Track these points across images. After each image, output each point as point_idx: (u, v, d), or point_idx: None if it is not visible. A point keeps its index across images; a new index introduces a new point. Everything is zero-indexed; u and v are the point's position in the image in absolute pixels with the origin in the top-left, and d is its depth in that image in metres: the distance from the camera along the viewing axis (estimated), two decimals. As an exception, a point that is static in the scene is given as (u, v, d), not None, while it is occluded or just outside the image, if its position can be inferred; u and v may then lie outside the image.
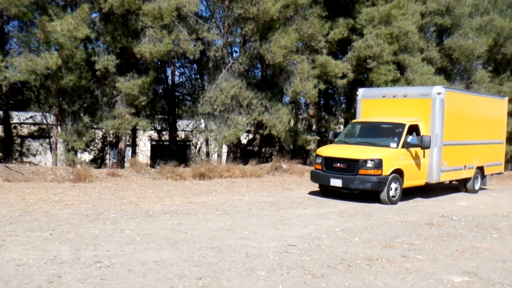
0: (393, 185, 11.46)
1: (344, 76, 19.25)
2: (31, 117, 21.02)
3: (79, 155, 20.23)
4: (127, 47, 16.82)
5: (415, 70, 20.75)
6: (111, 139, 21.33)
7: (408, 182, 11.93)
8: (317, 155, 12.44)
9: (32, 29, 15.68)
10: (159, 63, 19.64)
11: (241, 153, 21.65)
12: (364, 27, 19.38)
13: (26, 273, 5.08)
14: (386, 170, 11.25)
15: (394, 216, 9.84)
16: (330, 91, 22.78)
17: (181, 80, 24.13)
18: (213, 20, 20.68)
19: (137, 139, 22.81)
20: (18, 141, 21.27)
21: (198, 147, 24.79)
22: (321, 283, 5.26)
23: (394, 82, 19.64)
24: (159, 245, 6.57)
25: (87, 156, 21.67)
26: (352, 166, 11.43)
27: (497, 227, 9.14)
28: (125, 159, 18.51)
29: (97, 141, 21.82)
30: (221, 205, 10.22)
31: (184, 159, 19.14)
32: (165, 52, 16.67)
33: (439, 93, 12.45)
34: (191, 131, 23.50)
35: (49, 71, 15.47)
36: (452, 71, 24.62)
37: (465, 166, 13.71)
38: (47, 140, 19.76)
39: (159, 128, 23.68)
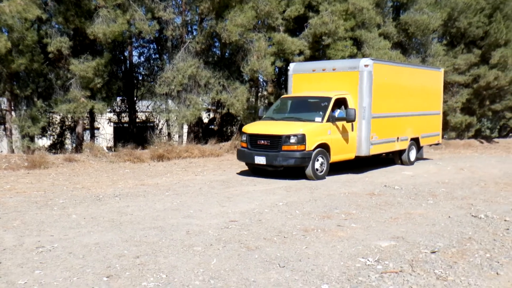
0: (319, 160, 11.46)
1: (301, 53, 19.45)
2: (-18, 103, 20.54)
3: (37, 140, 20.02)
4: (81, 28, 16.60)
5: (372, 45, 21.13)
6: (69, 123, 21.12)
7: (335, 157, 11.97)
8: (243, 133, 12.36)
9: (-21, 12, 15.28)
10: (115, 43, 19.44)
11: (202, 133, 21.83)
12: (320, 4, 19.57)
13: (-34, 261, 5.22)
14: (310, 145, 11.24)
15: (339, 188, 10.27)
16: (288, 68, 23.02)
17: (140, 60, 23.95)
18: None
19: (95, 123, 22.64)
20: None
21: (159, 128, 24.78)
22: (254, 254, 5.56)
23: (351, 57, 20.00)
24: (103, 228, 6.76)
25: (45, 142, 21.44)
26: (275, 142, 11.39)
27: (435, 194, 9.65)
28: (84, 143, 18.40)
29: (55, 125, 21.55)
30: (172, 186, 10.44)
31: (146, 141, 19.14)
32: (119, 33, 16.53)
33: (366, 66, 12.40)
34: (151, 112, 23.44)
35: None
36: (409, 46, 25.13)
37: (398, 138, 13.78)
38: (2, 126, 19.43)
39: (118, 110, 23.51)
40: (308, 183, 11.06)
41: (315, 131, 11.50)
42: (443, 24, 23.68)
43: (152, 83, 21.19)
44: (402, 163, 14.45)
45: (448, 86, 24.51)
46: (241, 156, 12.19)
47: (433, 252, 5.76)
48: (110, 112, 23.04)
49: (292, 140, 11.14)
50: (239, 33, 18.02)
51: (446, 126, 25.21)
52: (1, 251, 5.63)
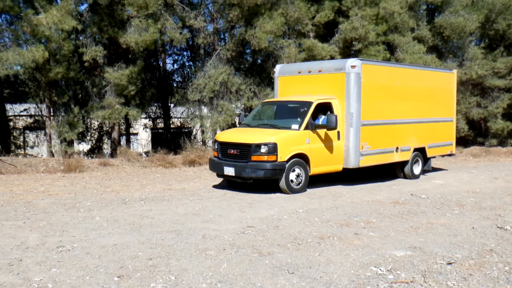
0: (295, 172, 10.34)
1: (332, 58, 19.41)
2: (25, 109, 21.47)
3: (77, 145, 20.74)
4: (114, 37, 17.14)
5: (405, 49, 20.87)
6: (107, 128, 21.74)
7: (317, 168, 10.78)
8: (214, 141, 11.43)
9: (20, 23, 16.03)
10: (149, 51, 19.92)
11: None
12: (350, 9, 19.51)
13: (-10, 259, 5.50)
14: (283, 155, 10.11)
15: (364, 196, 10.17)
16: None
17: (174, 67, 24.45)
18: (200, 7, 20.88)
19: (132, 128, 23.23)
20: (16, 133, 21.75)
21: (194, 134, 25.17)
22: (265, 260, 5.61)
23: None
24: (123, 230, 6.96)
25: (85, 146, 22.16)
26: (245, 152, 10.31)
27: (462, 203, 9.42)
28: (119, 148, 18.90)
29: (93, 131, 22.25)
30: (198, 191, 10.61)
31: (180, 147, 19.48)
32: (151, 42, 16.96)
33: (353, 67, 11.07)
34: (185, 118, 23.84)
35: (37, 64, 15.83)
36: (445, 49, 24.65)
37: (397, 148, 12.30)
38: (42, 131, 20.22)
39: (153, 116, 24.04)
40: (333, 189, 11.00)
41: (289, 139, 10.38)
42: (480, 27, 23.09)
43: (185, 90, 21.59)
44: (405, 177, 12.92)
45: (487, 91, 23.86)
46: (211, 166, 11.19)
47: (449, 264, 5.65)
48: (146, 118, 23.57)
49: (263, 149, 10.02)
50: (269, 39, 18.16)
51: (486, 132, 24.51)
52: (24, 249, 5.88)
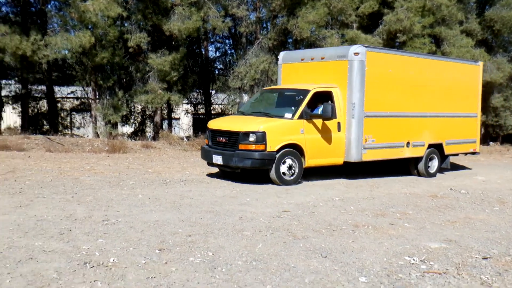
0: (286, 163, 9.82)
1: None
2: (72, 92, 22.27)
3: (121, 128, 21.42)
4: (158, 24, 17.56)
5: (453, 43, 20.48)
6: (149, 112, 22.32)
7: (313, 160, 10.23)
8: (207, 128, 11.08)
9: (68, 9, 16.63)
10: (192, 39, 20.27)
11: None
12: (395, 0, 19.25)
13: (43, 227, 5.87)
14: (273, 144, 9.64)
15: (402, 188, 10.16)
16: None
17: (216, 55, 24.77)
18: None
19: (173, 113, 23.74)
20: (63, 114, 22.62)
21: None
22: (299, 243, 5.76)
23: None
24: (164, 208, 7.26)
25: (128, 129, 22.85)
26: (233, 140, 9.93)
27: (503, 201, 9.28)
28: (161, 132, 19.39)
29: (137, 114, 22.90)
30: (236, 175, 10.83)
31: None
32: (194, 29, 17.27)
33: (356, 54, 10.44)
34: (226, 105, 24.16)
35: (84, 49, 16.42)
36: (495, 44, 23.99)
37: (408, 143, 11.57)
38: (89, 113, 20.96)
39: (195, 102, 24.47)
40: (370, 180, 11.02)
41: (280, 129, 9.89)
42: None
43: (226, 77, 21.86)
44: (419, 174, 12.18)
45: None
46: (202, 154, 10.87)
47: (485, 258, 5.63)
48: (187, 103, 24.02)
49: (251, 138, 9.59)
50: (311, 29, 18.16)
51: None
52: (73, 221, 6.25)
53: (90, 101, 19.69)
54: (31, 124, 19.76)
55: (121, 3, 17.35)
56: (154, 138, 19.19)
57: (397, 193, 9.51)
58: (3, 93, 20.15)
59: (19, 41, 15.63)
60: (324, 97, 10.46)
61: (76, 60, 19.07)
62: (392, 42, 19.96)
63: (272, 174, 9.74)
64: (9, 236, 5.39)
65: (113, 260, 4.84)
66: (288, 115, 10.09)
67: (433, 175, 12.30)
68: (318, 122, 10.26)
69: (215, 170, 11.37)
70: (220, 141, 10.25)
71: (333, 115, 10.21)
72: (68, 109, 22.83)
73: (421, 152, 11.94)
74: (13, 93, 20.69)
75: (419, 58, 12.44)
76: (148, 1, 18.02)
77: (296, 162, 9.94)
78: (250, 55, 18.75)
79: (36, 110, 21.27)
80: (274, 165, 9.65)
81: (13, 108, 21.07)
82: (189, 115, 25.61)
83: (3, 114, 20.12)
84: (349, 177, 11.30)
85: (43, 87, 20.92)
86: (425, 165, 12.13)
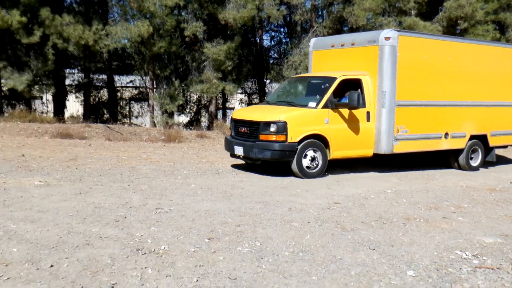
0: (309, 154, 9.41)
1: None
2: (131, 81, 22.98)
3: (177, 117, 21.95)
4: (214, 13, 17.76)
5: (519, 29, 19.49)
6: (205, 102, 22.70)
7: (339, 152, 9.75)
8: (231, 118, 10.86)
9: (128, -1, 17.13)
10: (246, 28, 20.39)
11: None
12: (457, -15, 18.49)
13: (100, 213, 6.17)
14: (294, 135, 9.24)
15: (458, 181, 9.85)
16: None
17: (271, 44, 24.77)
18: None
19: (228, 103, 24.01)
20: (122, 103, 23.43)
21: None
22: (348, 235, 5.74)
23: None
24: (215, 198, 7.42)
25: (184, 119, 23.36)
26: (254, 130, 9.60)
27: None
28: (215, 121, 19.70)
29: (193, 104, 23.35)
30: (287, 166, 10.85)
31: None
32: (249, 18, 17.34)
33: (387, 39, 9.85)
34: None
35: (142, 39, 16.90)
36: None
37: (446, 134, 10.88)
38: (146, 102, 21.59)
39: (249, 91, 24.61)
40: (426, 173, 10.75)
41: (303, 118, 9.48)
42: None
43: (281, 66, 21.85)
44: (460, 168, 11.45)
45: None
46: (225, 144, 10.59)
47: (544, 254, 5.42)
48: (241, 93, 24.21)
49: (271, 128, 9.22)
50: (367, 17, 17.80)
51: None
52: (128, 208, 6.52)
53: (148, 90, 20.27)
54: (92, 112, 20.63)
55: None
56: (209, 127, 19.54)
57: (453, 186, 9.23)
58: (67, 82, 21.08)
59: (82, 31, 16.30)
60: (353, 85, 9.95)
61: (135, 50, 19.66)
62: (452, 29, 19.23)
63: (294, 166, 9.37)
64: (69, 222, 5.70)
65: (164, 247, 5.02)
66: (312, 104, 9.67)
67: (475, 168, 11.53)
68: (345, 111, 9.75)
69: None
70: (242, 131, 9.98)
71: (359, 104, 9.63)
72: (127, 98, 23.61)
73: (461, 143, 11.20)
74: (76, 82, 21.62)
75: (458, 42, 11.49)
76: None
77: (320, 153, 9.54)
78: (305, 43, 18.64)
79: (97, 99, 22.15)
80: (295, 156, 9.28)
81: (76, 97, 22.05)
82: (243, 104, 25.84)
83: (67, 103, 21.08)
84: (402, 169, 11.05)
85: (104, 76, 21.73)
86: (467, 157, 11.38)
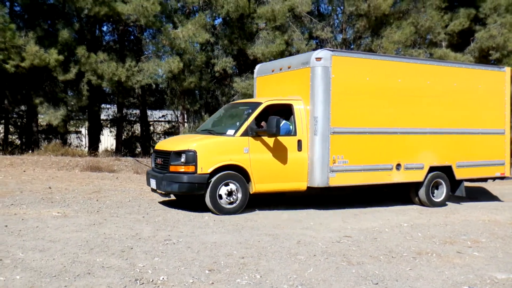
0: (225, 188, 8.62)
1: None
2: (163, 115, 23.57)
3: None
4: (243, 49, 18.15)
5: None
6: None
7: (262, 185, 8.90)
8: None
9: (160, 37, 17.77)
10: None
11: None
12: (488, 16, 18.38)
13: (108, 244, 6.29)
14: (205, 166, 8.45)
15: (482, 215, 9.52)
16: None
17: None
18: (329, 18, 21.17)
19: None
20: (155, 137, 23.99)
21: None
22: (352, 269, 5.63)
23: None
24: (226, 230, 7.43)
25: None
26: (166, 161, 8.93)
27: None
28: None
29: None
30: (301, 198, 10.78)
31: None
32: (277, 53, 17.61)
33: (318, 59, 9.02)
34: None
35: (173, 74, 17.41)
36: None
37: (398, 165, 9.81)
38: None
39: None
40: (449, 207, 10.44)
41: (217, 147, 8.72)
42: None
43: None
44: (421, 203, 10.40)
45: None
46: (146, 178, 9.87)
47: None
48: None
49: (182, 158, 8.52)
50: (395, 49, 17.83)
51: None
52: (137, 239, 6.62)
53: (179, 124, 20.70)
54: (125, 146, 21.16)
55: (209, 29, 18.25)
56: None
57: (475, 220, 8.92)
58: (102, 116, 21.81)
59: (115, 68, 16.94)
60: (284, 112, 9.26)
61: (167, 85, 20.24)
62: (484, 60, 18.95)
63: (207, 200, 8.59)
64: (75, 252, 5.83)
65: (163, 278, 5.06)
66: (230, 132, 8.91)
67: (439, 204, 10.42)
68: (270, 140, 8.90)
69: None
70: (157, 162, 9.38)
71: (277, 131, 8.66)
72: (160, 132, 24.17)
73: (418, 176, 10.12)
74: (110, 117, 22.35)
75: (410, 63, 10.37)
76: (235, 26, 18.79)
77: (239, 187, 8.69)
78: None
79: (130, 133, 22.78)
80: (208, 190, 8.50)
81: (110, 131, 22.75)
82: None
83: (101, 137, 21.76)
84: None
85: (137, 111, 22.38)
86: (427, 192, 10.27)
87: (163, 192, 9.02)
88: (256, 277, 5.23)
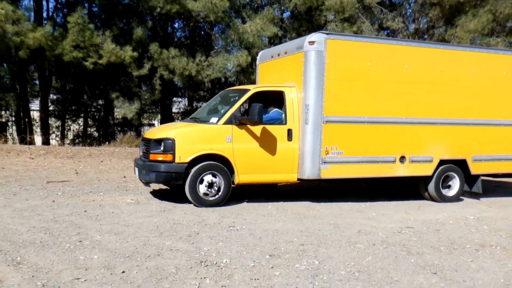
0: (206, 179, 8.21)
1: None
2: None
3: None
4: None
5: None
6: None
7: (247, 176, 8.47)
8: None
9: (229, 32, 18.24)
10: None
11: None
12: None
13: (176, 229, 6.71)
14: (184, 155, 8.06)
15: (558, 209, 9.08)
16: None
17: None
18: (401, 8, 20.78)
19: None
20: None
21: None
22: (411, 259, 5.67)
23: None
24: (288, 219, 7.65)
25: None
26: (148, 149, 8.56)
27: None
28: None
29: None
30: (366, 190, 10.77)
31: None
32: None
33: (311, 43, 8.38)
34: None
35: (241, 68, 17.84)
36: None
37: (402, 157, 9.08)
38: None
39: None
40: (523, 200, 10.04)
41: (196, 135, 8.27)
42: None
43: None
44: (431, 198, 9.64)
45: None
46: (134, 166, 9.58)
47: None
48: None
49: (161, 147, 8.17)
50: (471, 39, 17.20)
51: None
52: (203, 225, 7.00)
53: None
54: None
55: (276, 23, 18.50)
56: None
57: (550, 215, 8.55)
58: (174, 109, 22.70)
59: (186, 63, 17.63)
60: (277, 100, 8.83)
61: (236, 79, 20.73)
62: None
63: (187, 191, 8.22)
64: (147, 235, 6.29)
65: (226, 261, 5.37)
66: (213, 119, 8.44)
67: (450, 199, 9.60)
68: (256, 129, 8.43)
69: (353, 184, 11.45)
70: (143, 151, 9.02)
71: (260, 118, 8.22)
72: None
73: (427, 170, 9.34)
74: (181, 110, 23.21)
75: (421, 47, 9.37)
76: (303, 19, 18.92)
77: (221, 178, 8.30)
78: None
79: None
80: (188, 181, 8.13)
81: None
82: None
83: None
84: (490, 194, 10.41)
85: (207, 105, 23.08)
86: (437, 186, 9.48)
87: (143, 181, 8.72)
88: (314, 263, 5.42)
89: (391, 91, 8.97)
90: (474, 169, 9.65)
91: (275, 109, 8.78)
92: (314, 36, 8.45)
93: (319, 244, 6.19)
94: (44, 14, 20.98)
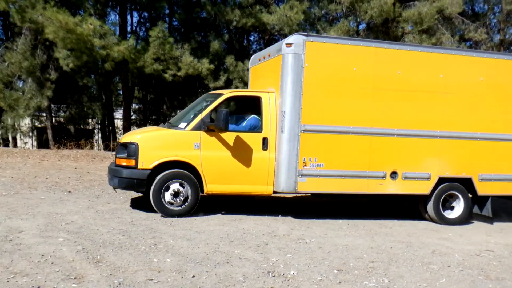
0: (171, 187, 7.78)
1: None
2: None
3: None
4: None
5: None
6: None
7: (216, 186, 7.95)
8: None
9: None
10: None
11: None
12: None
13: (246, 238, 6.79)
14: (147, 161, 7.63)
15: None
16: None
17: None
18: (484, 18, 19.99)
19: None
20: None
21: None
22: (489, 284, 5.36)
23: None
24: (359, 234, 7.50)
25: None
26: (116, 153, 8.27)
27: None
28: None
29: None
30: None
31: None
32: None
33: (288, 45, 7.74)
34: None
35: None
36: None
37: (393, 173, 8.20)
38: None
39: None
40: None
41: (163, 141, 7.86)
42: None
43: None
44: (431, 219, 8.76)
45: None
46: None
47: None
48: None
49: (126, 151, 7.84)
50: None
51: None
52: (272, 236, 7.03)
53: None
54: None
55: (352, 35, 18.35)
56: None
57: None
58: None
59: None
60: (254, 106, 8.28)
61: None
62: None
63: (151, 200, 7.80)
64: (217, 243, 6.42)
65: (293, 273, 5.36)
66: (182, 125, 8.03)
67: (453, 222, 8.63)
68: (228, 136, 7.93)
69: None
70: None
71: (225, 126, 7.73)
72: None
73: (423, 188, 8.41)
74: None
75: (417, 52, 8.39)
76: (379, 31, 18.64)
77: (187, 186, 7.86)
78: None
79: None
80: (152, 189, 7.73)
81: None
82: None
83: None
84: None
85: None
86: (436, 207, 8.56)
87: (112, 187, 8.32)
88: (384, 281, 5.28)
89: (381, 100, 8.16)
90: (482, 189, 8.65)
91: (253, 115, 8.34)
92: (291, 38, 7.90)
93: (390, 262, 6.02)
94: (128, 28, 22.14)
